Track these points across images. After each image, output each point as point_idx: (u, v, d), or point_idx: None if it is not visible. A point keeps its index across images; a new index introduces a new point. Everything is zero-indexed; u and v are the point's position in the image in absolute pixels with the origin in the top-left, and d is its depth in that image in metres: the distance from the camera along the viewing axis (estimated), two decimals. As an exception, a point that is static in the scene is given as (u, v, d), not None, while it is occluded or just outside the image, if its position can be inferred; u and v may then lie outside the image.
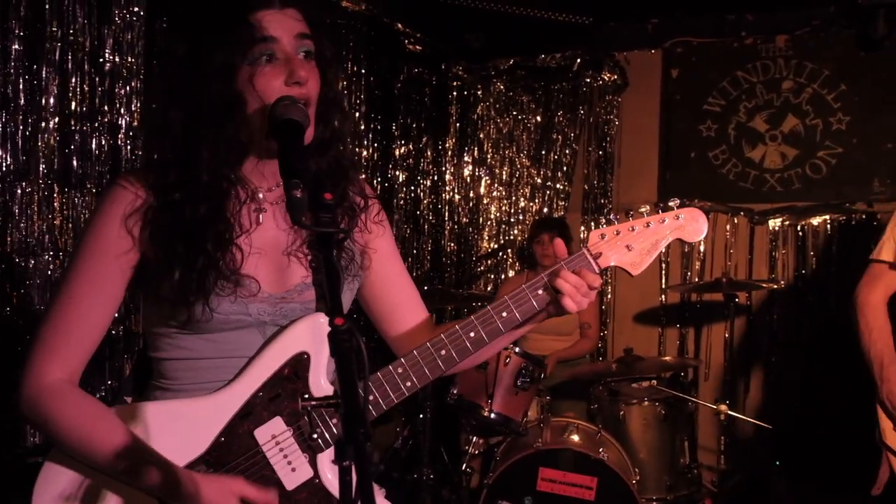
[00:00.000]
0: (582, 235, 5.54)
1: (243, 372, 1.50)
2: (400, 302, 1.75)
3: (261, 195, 1.55)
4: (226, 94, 1.42)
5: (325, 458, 1.51)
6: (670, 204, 1.72)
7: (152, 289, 1.47)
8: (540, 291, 1.58)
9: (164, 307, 1.47)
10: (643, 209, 1.71)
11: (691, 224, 1.69)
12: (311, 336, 1.51)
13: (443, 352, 1.56)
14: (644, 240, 1.66)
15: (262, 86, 1.41)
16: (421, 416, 4.23)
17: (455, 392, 3.97)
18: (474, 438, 4.23)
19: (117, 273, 1.47)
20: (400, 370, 1.55)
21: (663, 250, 1.71)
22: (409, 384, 1.55)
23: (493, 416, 3.83)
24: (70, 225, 2.85)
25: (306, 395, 1.50)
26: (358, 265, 1.64)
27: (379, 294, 1.72)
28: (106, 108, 2.99)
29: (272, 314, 1.51)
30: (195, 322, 1.45)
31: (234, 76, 1.42)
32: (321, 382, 1.52)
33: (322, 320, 1.50)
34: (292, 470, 1.50)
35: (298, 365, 1.50)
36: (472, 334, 1.57)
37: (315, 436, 1.49)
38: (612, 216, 1.69)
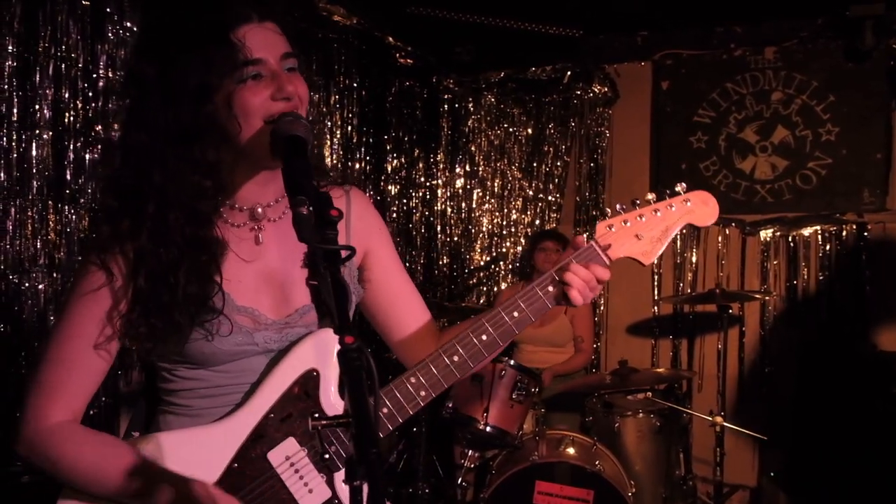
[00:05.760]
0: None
1: (252, 395, 1.48)
2: (400, 307, 1.70)
3: (260, 210, 1.51)
4: (202, 116, 1.35)
5: (342, 477, 1.47)
6: (677, 189, 1.64)
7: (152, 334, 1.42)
8: (550, 288, 1.55)
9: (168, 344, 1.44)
10: (649, 196, 1.63)
11: (701, 208, 1.63)
12: (318, 353, 1.48)
13: (455, 357, 1.53)
14: (654, 227, 1.60)
15: (245, 102, 1.36)
16: (415, 429, 4.21)
17: (450, 405, 3.95)
18: (470, 452, 4.19)
19: (110, 324, 1.43)
20: (413, 380, 1.52)
21: (674, 236, 1.62)
22: (423, 394, 1.52)
23: (488, 429, 3.82)
24: (64, 241, 2.83)
25: (316, 415, 1.43)
26: (357, 283, 1.62)
27: (379, 302, 1.69)
28: (99, 124, 2.98)
29: (278, 340, 1.49)
30: (201, 359, 1.44)
31: (213, 97, 1.36)
32: (332, 399, 1.49)
33: (328, 336, 1.49)
34: (309, 491, 1.46)
35: (308, 383, 1.47)
36: (483, 337, 1.54)
37: (327, 456, 1.46)
38: (618, 206, 1.61)
